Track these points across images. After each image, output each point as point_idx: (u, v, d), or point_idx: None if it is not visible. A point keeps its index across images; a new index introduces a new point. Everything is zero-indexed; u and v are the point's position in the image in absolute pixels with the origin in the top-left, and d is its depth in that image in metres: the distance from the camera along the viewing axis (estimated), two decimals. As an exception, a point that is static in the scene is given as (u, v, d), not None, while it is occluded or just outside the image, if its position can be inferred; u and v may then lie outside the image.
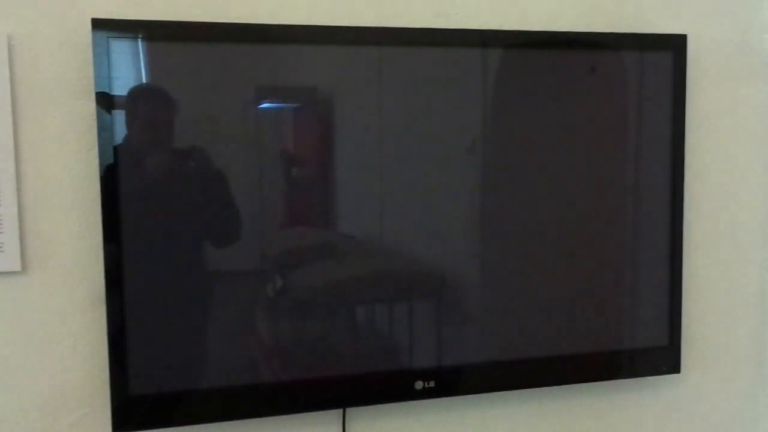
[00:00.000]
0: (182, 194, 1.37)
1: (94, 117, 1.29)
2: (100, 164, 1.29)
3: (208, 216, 1.38)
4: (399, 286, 1.50)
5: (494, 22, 1.54)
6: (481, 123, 1.50)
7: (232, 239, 1.39)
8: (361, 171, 1.44)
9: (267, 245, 1.42)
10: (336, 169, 1.43)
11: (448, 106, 1.47)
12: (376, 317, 1.51)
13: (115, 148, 1.29)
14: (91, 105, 1.30)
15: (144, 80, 1.31)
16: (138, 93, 1.31)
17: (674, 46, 1.57)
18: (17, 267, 1.33)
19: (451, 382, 1.51)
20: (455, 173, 1.49)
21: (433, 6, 1.51)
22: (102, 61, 1.27)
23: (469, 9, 1.53)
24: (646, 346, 1.61)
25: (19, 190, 1.32)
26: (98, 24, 1.27)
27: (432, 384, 1.48)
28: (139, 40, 1.30)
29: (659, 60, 1.56)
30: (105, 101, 1.28)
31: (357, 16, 1.47)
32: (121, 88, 1.29)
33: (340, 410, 1.50)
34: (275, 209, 1.43)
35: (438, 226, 1.49)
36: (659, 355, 1.63)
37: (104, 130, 1.29)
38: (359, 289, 1.47)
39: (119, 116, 1.29)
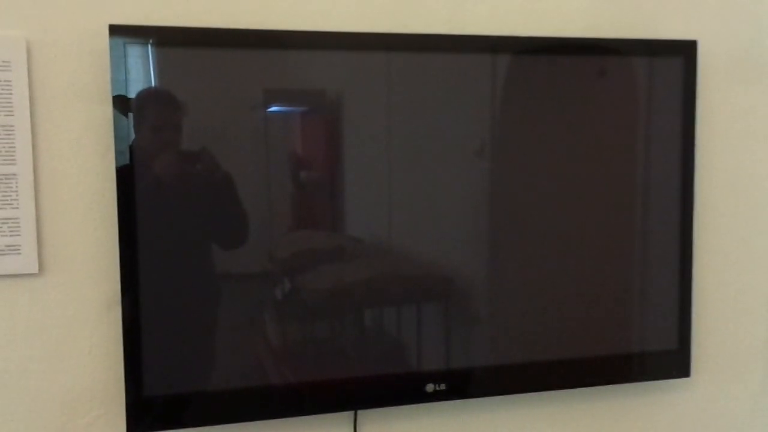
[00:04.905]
0: (194, 197, 1.38)
1: (111, 121, 1.31)
2: (117, 168, 1.31)
3: (216, 218, 1.39)
4: (408, 289, 1.51)
5: (505, 28, 1.55)
6: (489, 127, 1.51)
7: (240, 242, 1.40)
8: (370, 174, 1.45)
9: (276, 248, 1.43)
10: (344, 172, 1.44)
11: (457, 110, 1.48)
12: (385, 320, 1.52)
13: (131, 152, 1.30)
14: (108, 109, 1.32)
15: (160, 84, 1.33)
16: (153, 96, 1.33)
17: (685, 51, 1.58)
18: (34, 269, 1.34)
19: (462, 384, 1.52)
20: (464, 177, 1.50)
21: (445, 12, 1.52)
22: (119, 66, 1.28)
23: (479, 15, 1.54)
24: (656, 350, 1.62)
25: (36, 193, 1.34)
26: (115, 30, 1.29)
27: (443, 386, 1.49)
28: (156, 45, 1.31)
29: (670, 66, 1.57)
30: (121, 105, 1.29)
31: (369, 22, 1.48)
32: (137, 92, 1.30)
33: (352, 412, 1.51)
34: (284, 212, 1.44)
35: (446, 229, 1.50)
36: (669, 358, 1.63)
37: (120, 133, 1.30)
38: (368, 291, 1.48)
39: (135, 120, 1.31)
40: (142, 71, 1.31)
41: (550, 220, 1.54)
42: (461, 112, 1.48)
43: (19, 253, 1.33)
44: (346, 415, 1.52)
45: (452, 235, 1.50)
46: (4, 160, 1.31)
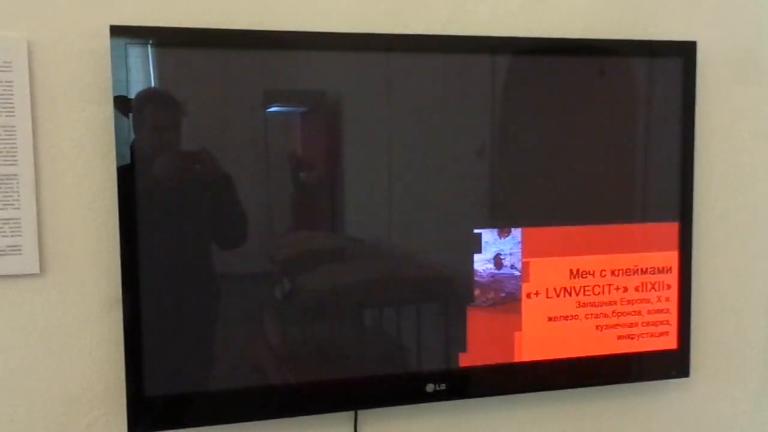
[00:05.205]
0: (194, 197, 1.38)
1: (111, 121, 1.31)
2: (117, 168, 1.31)
3: (216, 218, 1.39)
4: (407, 289, 1.51)
5: (504, 29, 1.55)
6: (489, 128, 1.51)
7: (239, 242, 1.40)
8: (370, 175, 1.45)
9: (276, 248, 1.43)
10: (344, 172, 1.45)
11: (457, 110, 1.48)
12: (384, 320, 1.52)
13: (132, 152, 1.31)
14: (109, 110, 1.32)
15: (160, 85, 1.33)
16: (153, 97, 1.33)
17: (684, 52, 1.58)
18: (35, 269, 1.35)
19: (462, 384, 1.52)
20: (464, 177, 1.50)
21: (445, 13, 1.52)
22: (120, 66, 1.29)
23: (479, 16, 1.54)
24: (656, 350, 1.62)
25: (37, 193, 1.34)
26: (116, 30, 1.29)
27: (443, 386, 1.49)
28: (156, 45, 1.31)
29: (669, 66, 1.57)
30: (122, 105, 1.30)
31: (369, 22, 1.48)
32: (137, 92, 1.31)
33: (352, 412, 1.51)
34: (284, 212, 1.44)
35: (446, 229, 1.50)
36: (669, 359, 1.64)
37: (121, 134, 1.30)
38: (368, 292, 1.48)
39: (136, 120, 1.31)
40: (142, 72, 1.31)
41: (550, 220, 1.54)
42: (461, 113, 1.48)
43: (20, 254, 1.34)
44: (346, 415, 1.52)
45: (452, 235, 1.51)
46: (6, 160, 1.31)
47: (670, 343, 1.63)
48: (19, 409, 1.38)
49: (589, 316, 1.58)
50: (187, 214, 1.38)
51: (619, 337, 1.60)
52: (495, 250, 1.51)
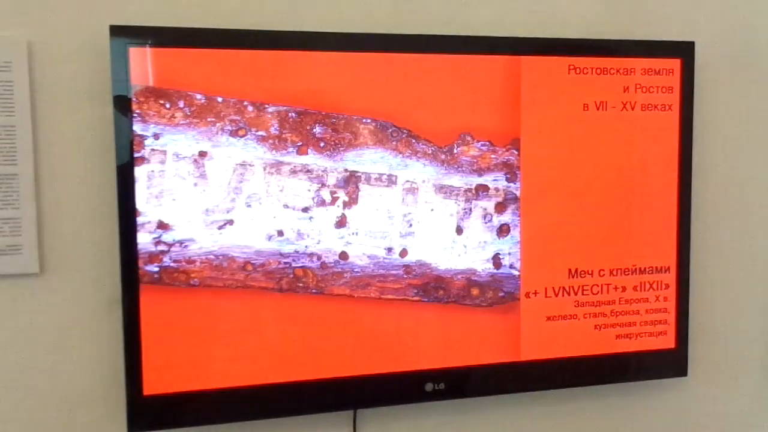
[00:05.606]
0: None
1: (111, 121, 1.31)
2: (117, 168, 1.31)
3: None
4: (408, 287, 1.51)
5: (505, 29, 1.55)
6: (489, 127, 1.51)
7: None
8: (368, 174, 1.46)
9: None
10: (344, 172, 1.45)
11: (457, 111, 1.48)
12: (385, 320, 1.52)
13: (131, 152, 1.31)
14: (109, 109, 1.32)
15: (161, 85, 1.33)
16: (153, 96, 1.33)
17: (683, 52, 1.59)
18: (35, 269, 1.35)
19: (461, 384, 1.53)
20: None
21: (445, 13, 1.52)
22: (119, 66, 1.29)
23: (480, 16, 1.55)
24: (654, 350, 1.63)
25: (37, 193, 1.34)
26: (116, 30, 1.29)
27: (442, 386, 1.50)
28: (156, 45, 1.31)
29: (668, 66, 1.58)
30: (122, 106, 1.30)
31: (369, 22, 1.48)
32: (137, 92, 1.31)
33: (351, 412, 1.52)
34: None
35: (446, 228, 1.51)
36: (666, 358, 1.64)
37: (121, 134, 1.30)
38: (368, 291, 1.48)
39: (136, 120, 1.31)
40: (142, 72, 1.31)
41: (546, 218, 1.55)
42: (461, 113, 1.48)
43: (20, 253, 1.34)
44: (346, 415, 1.52)
45: (452, 235, 1.51)
46: (5, 160, 1.31)
47: (668, 342, 1.64)
48: (18, 409, 1.38)
49: (588, 315, 1.58)
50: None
51: (618, 337, 1.60)
52: (494, 249, 1.51)
